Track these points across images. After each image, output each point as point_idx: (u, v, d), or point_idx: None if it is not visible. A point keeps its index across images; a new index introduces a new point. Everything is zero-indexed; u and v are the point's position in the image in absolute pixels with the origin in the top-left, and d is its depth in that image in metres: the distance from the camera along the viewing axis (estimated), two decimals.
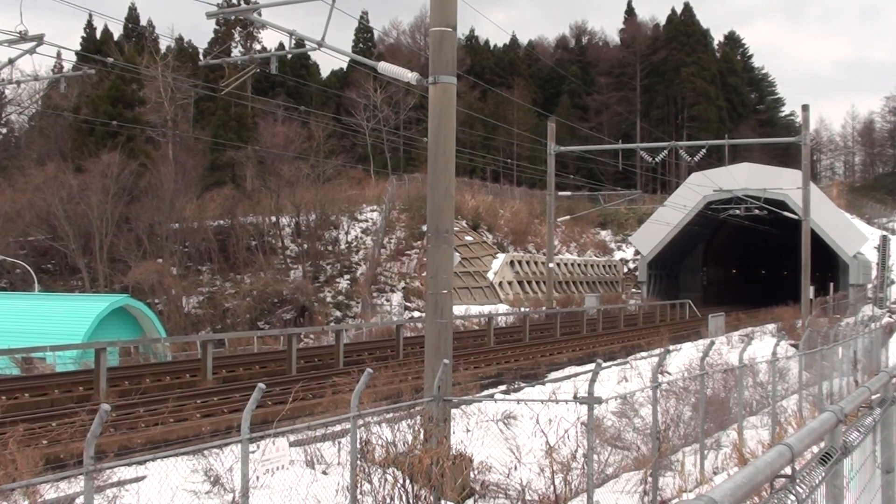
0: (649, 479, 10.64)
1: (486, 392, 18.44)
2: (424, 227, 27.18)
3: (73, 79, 51.49)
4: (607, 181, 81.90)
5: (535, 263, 56.00)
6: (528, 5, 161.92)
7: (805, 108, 38.17)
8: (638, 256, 61.74)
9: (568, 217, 58.50)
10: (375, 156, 73.41)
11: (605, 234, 71.75)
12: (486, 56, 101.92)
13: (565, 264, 58.61)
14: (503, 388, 20.08)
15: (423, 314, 18.50)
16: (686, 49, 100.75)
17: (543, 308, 41.67)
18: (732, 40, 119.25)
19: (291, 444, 9.77)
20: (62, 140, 63.02)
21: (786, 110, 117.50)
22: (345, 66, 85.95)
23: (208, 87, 58.12)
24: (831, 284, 49.06)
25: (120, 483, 10.07)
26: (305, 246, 55.03)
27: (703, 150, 35.65)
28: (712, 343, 16.24)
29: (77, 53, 61.49)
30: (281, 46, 54.15)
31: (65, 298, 37.52)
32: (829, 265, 57.85)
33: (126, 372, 21.65)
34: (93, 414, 9.62)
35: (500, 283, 51.38)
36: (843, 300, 48.56)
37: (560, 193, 49.47)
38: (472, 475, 10.39)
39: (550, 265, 42.50)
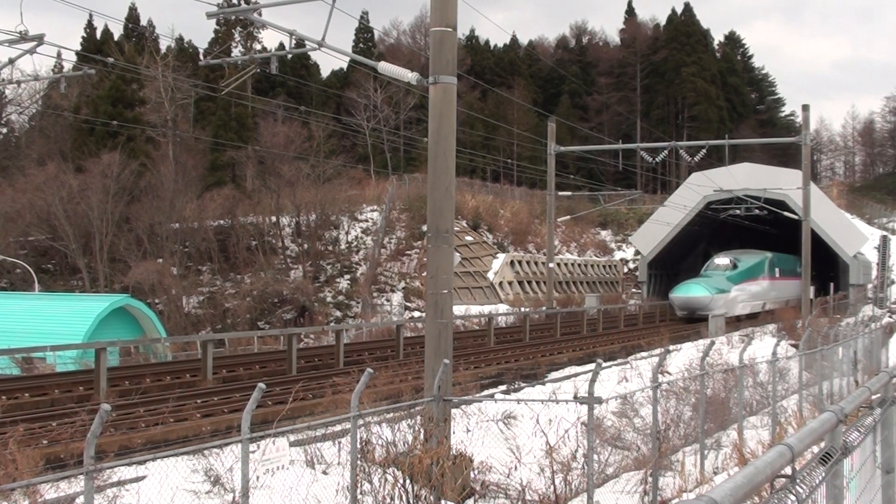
0: (649, 479, 10.64)
1: (486, 392, 18.44)
2: (424, 227, 27.13)
3: (74, 79, 51.48)
4: (607, 181, 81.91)
5: (536, 263, 56.01)
6: (528, 5, 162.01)
7: (805, 108, 38.20)
8: (638, 256, 61.73)
9: (568, 217, 58.52)
10: (375, 156, 73.42)
11: (606, 234, 71.76)
12: (487, 56, 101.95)
13: (565, 264, 58.61)
14: (503, 388, 20.08)
15: (423, 314, 18.50)
16: (686, 49, 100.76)
17: (543, 308, 41.67)
18: (732, 40, 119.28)
19: (291, 444, 9.78)
20: (62, 140, 63.04)
21: (786, 110, 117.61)
22: (345, 66, 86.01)
23: (208, 87, 58.13)
24: (832, 284, 49.07)
25: (120, 483, 10.07)
26: (305, 246, 55.04)
27: (703, 150, 35.67)
28: (712, 343, 16.24)
29: (77, 53, 61.49)
30: (281, 46, 54.19)
31: (65, 298, 37.51)
32: (829, 265, 57.83)
33: (126, 372, 21.65)
34: (93, 414, 9.62)
35: (501, 283, 51.38)
36: (843, 300, 48.57)
37: (560, 193, 49.49)
38: (472, 475, 10.39)
39: (550, 265, 42.51)
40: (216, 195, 54.74)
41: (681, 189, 55.18)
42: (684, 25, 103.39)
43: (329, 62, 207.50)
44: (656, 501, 10.44)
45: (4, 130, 73.63)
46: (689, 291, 43.99)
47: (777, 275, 50.21)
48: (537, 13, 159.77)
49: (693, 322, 41.61)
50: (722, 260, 47.47)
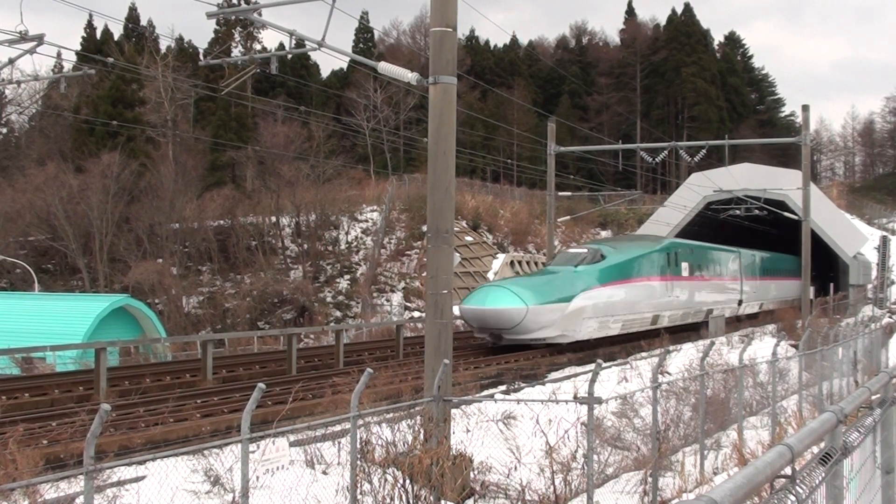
0: (649, 479, 10.64)
1: (486, 392, 18.43)
2: (424, 228, 26.90)
3: (74, 79, 51.50)
4: (607, 181, 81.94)
5: (536, 264, 55.95)
6: (528, 6, 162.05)
7: (805, 108, 38.16)
8: None
9: (568, 217, 58.50)
10: (375, 156, 73.44)
11: (605, 235, 71.76)
12: (487, 56, 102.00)
13: None
14: (503, 388, 20.07)
15: (423, 314, 18.48)
16: (686, 49, 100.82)
17: None
18: (732, 40, 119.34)
19: (291, 444, 9.78)
20: (62, 140, 63.09)
21: (786, 110, 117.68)
22: (345, 66, 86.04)
23: (208, 87, 58.15)
24: (831, 285, 49.05)
25: (120, 483, 10.07)
26: (305, 246, 55.06)
27: (703, 151, 35.62)
28: (712, 343, 16.25)
29: (77, 53, 61.52)
30: (281, 46, 54.18)
31: (65, 298, 37.53)
32: (829, 265, 57.87)
33: (126, 372, 21.65)
34: (93, 414, 9.62)
35: None
36: (843, 300, 48.55)
37: (560, 194, 49.42)
38: (472, 475, 10.39)
39: None
40: (216, 195, 54.78)
41: (680, 189, 55.18)
42: (684, 25, 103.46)
43: (329, 62, 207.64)
44: (656, 501, 10.44)
45: (4, 130, 73.66)
46: (488, 300, 26.02)
47: (686, 273, 34.53)
48: (537, 13, 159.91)
49: (505, 352, 26.20)
50: (579, 249, 31.26)
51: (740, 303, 41.54)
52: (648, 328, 31.73)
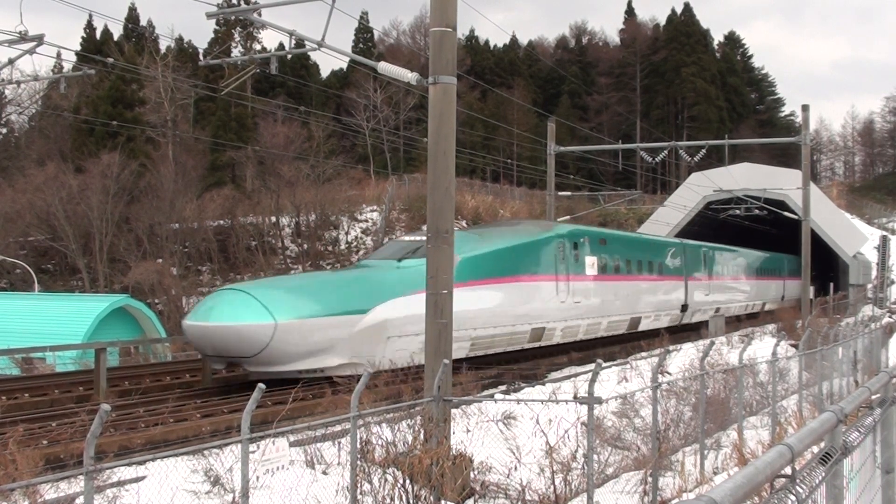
0: (649, 479, 10.64)
1: (486, 392, 18.43)
2: (424, 228, 26.69)
3: (73, 79, 51.49)
4: (607, 181, 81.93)
5: None
6: (527, 6, 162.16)
7: (805, 108, 38.15)
8: None
9: (568, 217, 58.32)
10: (375, 156, 73.43)
11: None
12: (486, 56, 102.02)
13: None
14: (503, 388, 20.07)
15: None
16: (686, 49, 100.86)
17: None
18: (732, 40, 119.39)
19: (291, 444, 9.78)
20: (62, 140, 63.07)
21: (786, 110, 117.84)
22: (345, 66, 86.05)
23: (208, 88, 58.14)
24: (831, 284, 49.06)
25: (120, 483, 10.07)
26: (305, 246, 55.05)
27: (703, 151, 35.62)
28: (712, 343, 16.26)
29: (77, 54, 61.52)
30: (281, 46, 54.18)
31: (65, 298, 37.50)
32: (829, 265, 57.89)
33: (126, 372, 21.62)
34: (93, 414, 9.62)
35: None
36: (843, 300, 48.54)
37: (560, 193, 49.45)
38: (472, 475, 10.39)
39: None
40: (216, 195, 54.77)
41: (680, 189, 55.21)
42: (684, 25, 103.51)
43: (329, 62, 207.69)
44: (656, 501, 10.44)
45: (4, 131, 73.70)
46: (214, 312, 17.59)
47: (593, 270, 26.25)
48: (537, 13, 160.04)
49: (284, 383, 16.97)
50: (415, 237, 21.67)
51: (684, 308, 33.89)
52: (527, 346, 23.63)
